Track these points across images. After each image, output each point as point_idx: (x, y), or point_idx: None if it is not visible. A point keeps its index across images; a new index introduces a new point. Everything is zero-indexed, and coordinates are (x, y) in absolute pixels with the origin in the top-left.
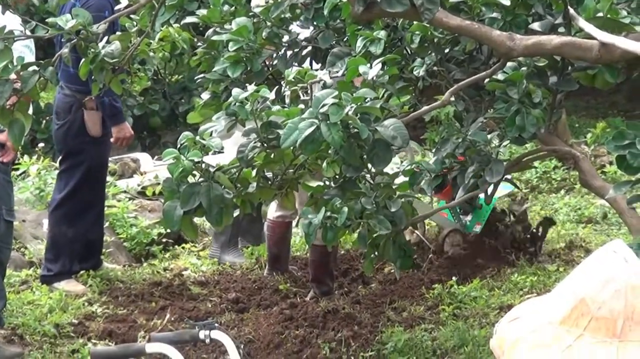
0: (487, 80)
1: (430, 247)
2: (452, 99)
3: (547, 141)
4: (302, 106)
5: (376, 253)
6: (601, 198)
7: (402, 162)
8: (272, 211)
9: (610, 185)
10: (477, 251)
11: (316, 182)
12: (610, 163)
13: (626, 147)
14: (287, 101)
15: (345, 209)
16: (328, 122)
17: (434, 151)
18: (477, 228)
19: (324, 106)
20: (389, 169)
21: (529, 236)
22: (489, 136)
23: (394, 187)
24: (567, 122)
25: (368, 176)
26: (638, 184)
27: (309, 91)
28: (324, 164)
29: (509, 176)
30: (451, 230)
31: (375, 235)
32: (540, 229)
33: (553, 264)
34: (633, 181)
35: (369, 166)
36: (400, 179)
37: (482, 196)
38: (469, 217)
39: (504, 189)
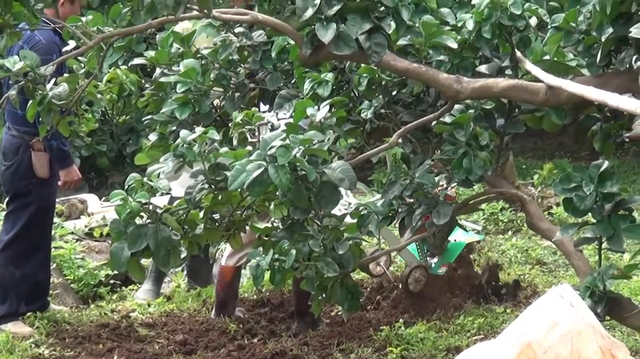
0: (434, 122)
1: (392, 282)
2: (400, 141)
3: (495, 183)
4: (249, 148)
5: (324, 295)
6: (548, 240)
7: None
8: (225, 256)
9: (557, 227)
10: (437, 290)
11: (264, 224)
12: (558, 204)
13: (573, 189)
14: (235, 142)
15: (293, 251)
16: (276, 164)
17: (382, 193)
18: (442, 270)
19: (271, 148)
20: (337, 210)
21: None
22: (436, 179)
23: (341, 229)
24: (514, 163)
25: (316, 218)
26: (584, 227)
27: (256, 133)
28: (272, 206)
29: (478, 226)
30: (417, 266)
31: (323, 277)
32: (487, 274)
33: (500, 306)
34: (580, 224)
35: (317, 208)
36: (349, 221)
37: (452, 238)
38: (435, 259)
39: (473, 236)
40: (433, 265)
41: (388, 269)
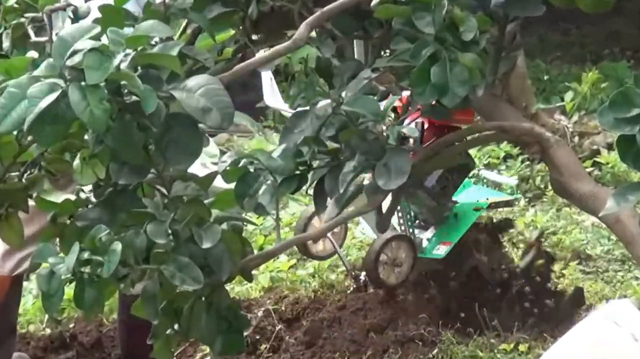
0: (375, 1)
1: (350, 271)
2: (314, 35)
3: (492, 112)
4: (33, 53)
5: (177, 327)
6: (592, 214)
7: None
8: None
9: (608, 190)
10: (437, 286)
11: (63, 196)
12: (610, 147)
13: (635, 120)
14: (6, 44)
15: (118, 245)
16: (83, 84)
17: (280, 134)
18: (441, 251)
19: (74, 53)
20: (197, 168)
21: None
22: (382, 104)
23: (207, 202)
24: (527, 74)
25: (159, 183)
26: None
27: (47, 26)
28: (77, 163)
29: (511, 179)
30: (392, 237)
31: (174, 294)
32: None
33: (552, 332)
34: None
35: (160, 164)
36: (220, 186)
37: (460, 198)
38: (428, 234)
39: (499, 195)
40: (424, 243)
41: (341, 247)
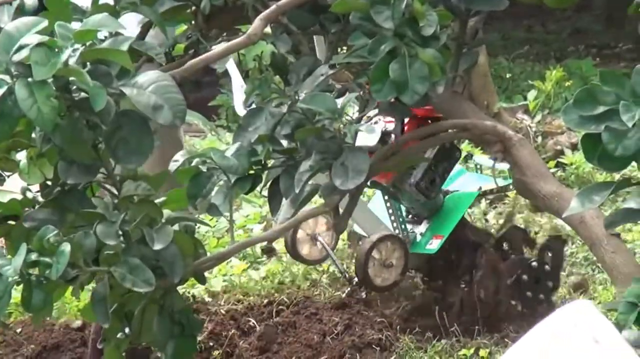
0: None
1: (343, 273)
2: (268, 30)
3: (453, 109)
4: None
5: (127, 331)
6: (555, 215)
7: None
8: None
9: (571, 192)
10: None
11: (8, 195)
12: (574, 147)
13: (601, 118)
14: None
15: (67, 246)
16: (30, 80)
17: (234, 132)
18: (434, 245)
19: (21, 48)
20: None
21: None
22: (339, 101)
23: (159, 202)
24: (489, 71)
25: (109, 182)
26: (624, 189)
27: None
28: (23, 162)
29: (503, 163)
30: (385, 236)
31: (125, 296)
32: (549, 254)
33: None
34: (616, 183)
35: (110, 162)
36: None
37: (453, 187)
38: (422, 228)
39: (490, 181)
40: (418, 237)
41: (334, 249)
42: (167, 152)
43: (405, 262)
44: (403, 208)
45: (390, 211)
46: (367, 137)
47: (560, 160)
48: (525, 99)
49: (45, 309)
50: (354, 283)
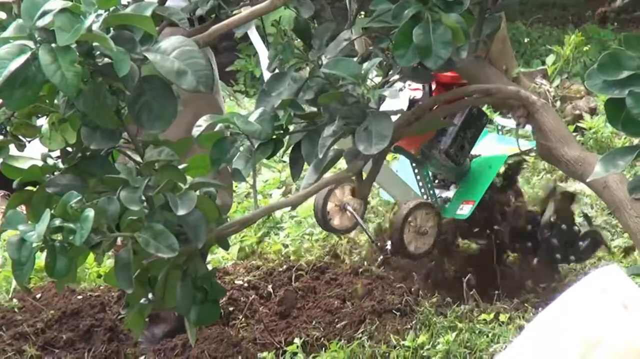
0: None
1: (374, 241)
2: None
3: (475, 74)
4: (1, 14)
5: (150, 296)
6: (579, 179)
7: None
8: None
9: (595, 155)
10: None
11: (29, 161)
12: (593, 111)
13: (625, 82)
14: None
15: (91, 212)
16: (53, 46)
17: (257, 97)
18: (465, 210)
19: (45, 14)
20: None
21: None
22: (364, 66)
23: (181, 168)
24: (509, 36)
25: (132, 149)
26: None
27: None
28: (45, 127)
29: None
30: (418, 204)
31: (147, 262)
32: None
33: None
34: (639, 148)
35: (134, 128)
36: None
37: (477, 151)
38: (450, 193)
39: (513, 144)
40: (447, 204)
41: (363, 218)
42: None
43: (438, 231)
44: (430, 174)
45: (419, 177)
46: (392, 103)
47: (579, 124)
48: (543, 63)
49: (69, 275)
50: (387, 250)
